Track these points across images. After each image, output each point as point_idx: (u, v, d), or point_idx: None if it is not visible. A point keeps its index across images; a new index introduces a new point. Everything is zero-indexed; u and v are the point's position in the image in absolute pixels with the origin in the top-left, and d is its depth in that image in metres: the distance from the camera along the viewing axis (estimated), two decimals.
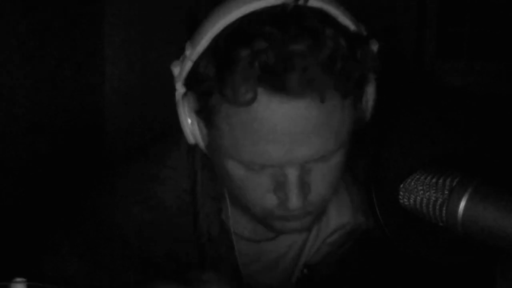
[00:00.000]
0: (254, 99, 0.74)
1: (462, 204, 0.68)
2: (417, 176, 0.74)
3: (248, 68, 0.72)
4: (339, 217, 0.96)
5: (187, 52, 0.80)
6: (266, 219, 0.85)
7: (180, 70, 0.81)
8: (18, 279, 0.50)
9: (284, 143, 0.76)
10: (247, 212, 0.87)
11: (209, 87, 0.76)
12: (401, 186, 0.76)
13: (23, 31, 1.46)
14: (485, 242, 0.68)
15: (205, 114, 0.79)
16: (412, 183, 0.74)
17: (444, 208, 0.70)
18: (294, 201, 0.79)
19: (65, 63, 1.67)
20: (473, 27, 2.47)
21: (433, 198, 0.71)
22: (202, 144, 0.84)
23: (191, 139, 0.83)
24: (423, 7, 2.40)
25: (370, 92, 0.84)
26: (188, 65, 0.79)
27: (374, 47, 0.83)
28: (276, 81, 0.72)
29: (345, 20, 0.79)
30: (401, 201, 0.76)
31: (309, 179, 0.81)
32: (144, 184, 0.91)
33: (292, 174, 0.79)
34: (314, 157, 0.78)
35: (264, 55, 0.72)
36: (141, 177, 0.92)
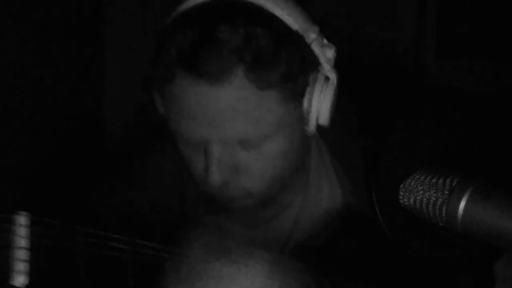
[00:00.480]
0: (172, 77, 0.82)
1: (462, 204, 0.68)
2: (417, 176, 0.74)
3: (170, 49, 0.81)
4: (330, 199, 0.98)
5: None
6: (215, 197, 0.90)
7: None
8: (22, 212, 0.51)
9: (199, 121, 0.83)
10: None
11: (152, 63, 0.86)
12: (401, 186, 0.76)
13: (23, 31, 1.46)
14: (485, 242, 0.68)
15: (157, 91, 0.88)
16: (412, 183, 0.74)
17: (444, 208, 0.70)
18: (212, 177, 0.84)
19: (65, 64, 1.67)
20: (473, 27, 2.47)
21: (433, 198, 0.71)
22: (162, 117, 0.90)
23: (162, 116, 0.90)
24: (423, 7, 2.40)
25: (313, 96, 0.86)
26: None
27: (326, 51, 0.87)
28: (189, 63, 0.80)
29: (285, 18, 0.84)
30: (401, 201, 0.76)
31: (237, 162, 0.86)
32: (138, 171, 0.99)
33: (212, 152, 0.84)
34: (231, 139, 0.84)
35: (185, 39, 0.80)
36: (136, 165, 1.00)
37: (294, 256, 0.95)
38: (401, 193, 0.76)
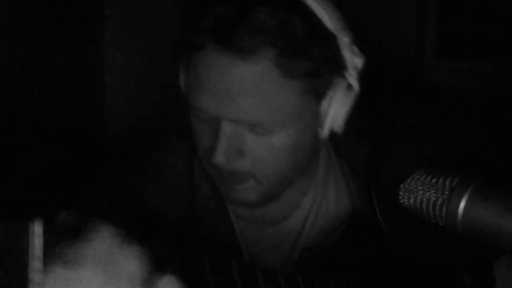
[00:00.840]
0: (202, 46, 0.83)
1: (462, 204, 0.68)
2: (417, 176, 0.74)
3: (206, 19, 0.82)
4: (338, 203, 0.98)
5: None
6: (217, 180, 0.91)
7: None
8: (37, 221, 0.49)
9: (216, 95, 0.83)
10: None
11: (184, 29, 0.87)
12: (401, 186, 0.76)
13: (23, 31, 1.46)
14: (485, 242, 0.68)
15: (184, 59, 0.89)
16: (412, 183, 0.74)
17: (444, 208, 0.70)
18: (217, 155, 0.85)
19: (65, 65, 1.67)
20: (473, 27, 2.47)
21: (433, 198, 0.71)
22: (184, 91, 0.90)
23: (182, 88, 0.90)
24: (423, 7, 2.40)
25: (333, 100, 0.86)
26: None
27: (355, 59, 0.87)
28: (223, 34, 0.81)
29: (321, 14, 0.85)
30: (401, 201, 0.76)
31: (244, 145, 0.86)
32: (150, 167, 0.97)
33: (223, 130, 0.84)
34: (244, 121, 0.84)
35: (223, 11, 0.81)
36: (147, 161, 0.98)
37: (302, 260, 0.96)
38: (401, 193, 0.76)
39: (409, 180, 0.75)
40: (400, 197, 0.76)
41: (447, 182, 0.70)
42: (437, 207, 0.71)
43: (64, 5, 1.65)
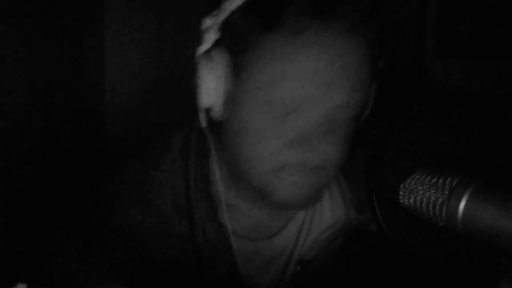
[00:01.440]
0: (306, 28, 0.77)
1: (462, 204, 0.68)
2: (417, 176, 0.74)
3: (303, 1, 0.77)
4: (333, 213, 0.97)
5: (224, 4, 0.82)
6: (267, 179, 0.84)
7: (214, 20, 0.83)
8: (20, 285, 0.48)
9: (322, 79, 0.78)
10: (243, 179, 0.86)
11: (250, 23, 0.79)
12: (401, 186, 0.76)
13: (23, 30, 1.47)
14: (485, 242, 0.68)
15: (238, 57, 0.81)
16: (412, 183, 0.74)
17: (444, 208, 0.70)
18: (319, 150, 0.81)
19: (64, 65, 1.68)
20: (473, 27, 2.47)
21: (433, 198, 0.71)
22: (219, 102, 0.83)
23: (206, 101, 0.83)
24: (422, 7, 2.40)
25: (373, 93, 0.85)
26: (225, 14, 0.81)
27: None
28: (329, 13, 0.77)
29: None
30: (401, 201, 0.76)
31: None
32: (140, 188, 0.91)
33: (320, 122, 0.80)
34: (343, 104, 0.80)
35: None
36: (137, 181, 0.92)
37: (298, 274, 0.95)
38: (401, 193, 0.76)
39: (409, 180, 0.75)
40: (400, 197, 0.76)
41: (447, 182, 0.71)
42: (437, 207, 0.71)
43: (64, 6, 1.65)
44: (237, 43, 0.81)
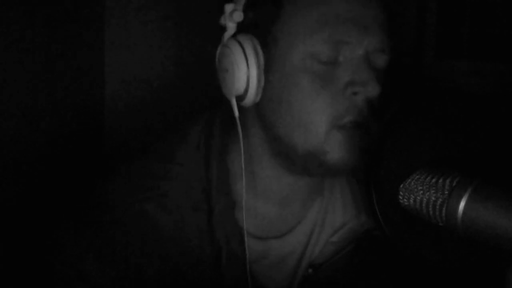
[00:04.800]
0: None
1: (462, 204, 0.68)
2: (417, 176, 0.74)
3: None
4: (344, 215, 0.96)
5: None
6: (319, 142, 0.84)
7: (238, 2, 0.86)
8: None
9: (360, 22, 0.83)
10: (285, 156, 0.87)
11: None
12: (401, 186, 0.76)
13: (23, 30, 1.46)
14: (485, 242, 0.68)
15: (270, 26, 0.84)
16: (412, 183, 0.74)
17: (444, 208, 0.70)
18: (375, 83, 0.82)
19: (64, 64, 1.67)
20: (473, 27, 2.47)
21: (433, 198, 0.71)
22: (255, 84, 0.84)
23: (240, 87, 0.84)
24: (422, 7, 2.40)
25: None
26: None
27: None
28: None
29: None
30: (401, 201, 0.76)
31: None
32: (154, 181, 0.90)
33: (366, 57, 0.83)
34: (380, 49, 0.85)
35: None
36: (150, 174, 0.91)
37: (309, 278, 0.94)
38: (401, 193, 0.76)
39: (409, 180, 0.75)
40: (400, 197, 0.76)
41: (447, 182, 0.70)
42: (437, 207, 0.71)
43: (64, 5, 1.65)
44: (266, 9, 0.85)
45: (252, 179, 0.92)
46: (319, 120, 0.83)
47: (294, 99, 0.84)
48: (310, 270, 0.94)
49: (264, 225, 0.93)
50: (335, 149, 0.84)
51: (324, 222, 0.96)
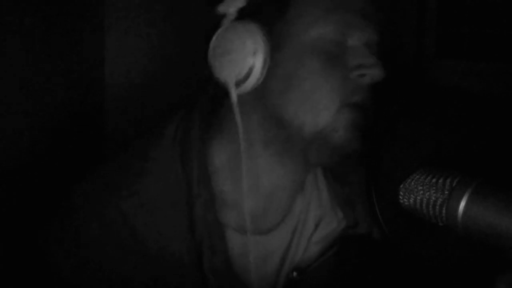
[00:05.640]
0: None
1: (462, 204, 0.68)
2: (417, 176, 0.74)
3: None
4: (318, 209, 0.96)
5: None
6: (325, 124, 0.85)
7: None
8: None
9: (362, 11, 0.86)
10: (287, 142, 0.87)
11: None
12: (401, 186, 0.76)
13: (24, 27, 1.46)
14: (485, 242, 0.68)
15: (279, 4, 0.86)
16: (412, 183, 0.74)
17: (444, 208, 0.70)
18: (381, 67, 0.85)
19: (64, 61, 1.67)
20: (473, 27, 2.47)
21: (433, 198, 0.71)
22: (258, 67, 0.84)
23: (241, 72, 0.84)
24: (422, 7, 2.40)
25: None
26: None
27: None
28: None
29: None
30: (401, 201, 0.76)
31: None
32: (128, 179, 0.89)
33: (364, 53, 0.86)
34: (379, 35, 0.89)
35: None
36: (124, 171, 0.90)
37: (294, 280, 0.94)
38: (401, 193, 0.76)
39: (409, 180, 0.75)
40: (400, 197, 0.76)
41: (447, 182, 0.71)
42: (437, 207, 0.71)
43: (64, 4, 1.65)
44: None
45: (238, 173, 0.90)
46: (330, 98, 0.84)
47: (305, 78, 0.85)
48: (294, 274, 0.94)
49: (247, 221, 0.92)
50: (345, 128, 0.85)
51: (307, 216, 0.96)
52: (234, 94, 0.85)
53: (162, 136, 0.92)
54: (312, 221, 0.96)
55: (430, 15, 2.43)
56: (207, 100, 0.92)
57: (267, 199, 0.93)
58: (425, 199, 0.73)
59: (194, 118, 0.92)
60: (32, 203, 1.41)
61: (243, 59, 0.84)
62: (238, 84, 0.85)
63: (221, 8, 0.87)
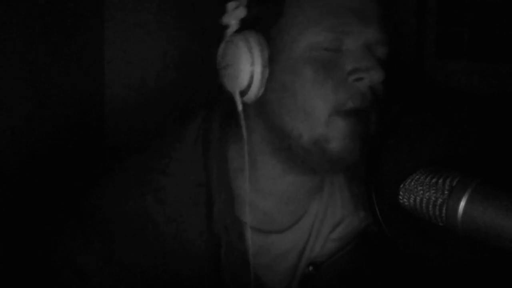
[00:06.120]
0: None
1: (462, 204, 0.68)
2: (417, 176, 0.74)
3: None
4: (343, 210, 0.97)
5: None
6: (320, 132, 0.85)
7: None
8: None
9: (360, 13, 0.85)
10: (287, 150, 0.88)
11: None
12: (401, 186, 0.76)
13: (24, 28, 1.46)
14: (485, 242, 0.68)
15: (273, 21, 0.87)
16: (412, 183, 0.74)
17: (444, 208, 0.70)
18: (378, 68, 0.85)
19: (64, 63, 1.68)
20: (473, 27, 2.47)
21: (433, 198, 0.71)
22: (259, 78, 0.86)
23: (243, 81, 0.86)
24: (422, 7, 2.40)
25: None
26: None
27: None
28: None
29: None
30: (401, 201, 0.76)
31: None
32: (150, 176, 0.91)
33: (368, 47, 0.86)
34: (380, 40, 0.87)
35: None
36: (147, 169, 0.92)
37: (309, 276, 0.95)
38: (401, 193, 0.76)
39: (409, 180, 0.75)
40: (400, 197, 0.76)
41: (447, 182, 0.71)
42: (437, 207, 0.71)
43: (63, 5, 1.65)
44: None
45: (253, 175, 0.92)
46: (321, 106, 0.85)
47: (299, 88, 0.86)
48: (310, 268, 0.95)
49: (265, 220, 0.94)
50: (338, 137, 0.85)
51: (325, 216, 0.97)
52: (239, 104, 0.88)
53: (184, 136, 0.94)
54: (331, 220, 0.97)
55: (430, 15, 2.43)
56: (225, 102, 0.93)
57: (280, 202, 0.95)
58: (425, 199, 0.73)
59: (214, 119, 0.95)
60: (32, 204, 1.41)
61: (243, 69, 0.86)
62: (242, 94, 0.88)
63: (224, 20, 0.89)
